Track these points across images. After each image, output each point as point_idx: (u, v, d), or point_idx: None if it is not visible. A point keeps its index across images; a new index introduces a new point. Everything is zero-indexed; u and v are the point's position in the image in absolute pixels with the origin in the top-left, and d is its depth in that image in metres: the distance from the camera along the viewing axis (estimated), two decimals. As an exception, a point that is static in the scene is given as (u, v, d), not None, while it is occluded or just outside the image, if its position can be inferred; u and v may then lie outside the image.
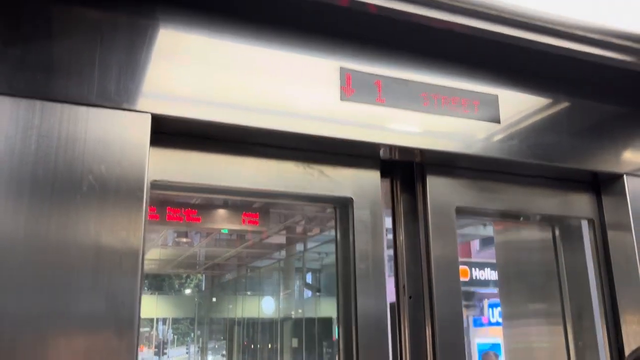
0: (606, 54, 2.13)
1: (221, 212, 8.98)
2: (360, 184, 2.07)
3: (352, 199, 2.04)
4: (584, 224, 2.48)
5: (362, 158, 2.10)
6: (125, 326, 1.49)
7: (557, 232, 2.60)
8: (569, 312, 2.50)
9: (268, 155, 1.96)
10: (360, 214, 2.03)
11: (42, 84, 1.54)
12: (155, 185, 1.76)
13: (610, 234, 2.43)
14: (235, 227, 9.23)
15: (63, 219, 1.49)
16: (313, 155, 2.02)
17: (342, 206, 2.11)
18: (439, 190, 2.18)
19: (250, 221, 9.16)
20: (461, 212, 2.24)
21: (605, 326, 2.35)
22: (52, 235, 1.47)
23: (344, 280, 2.05)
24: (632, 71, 2.24)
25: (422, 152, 2.09)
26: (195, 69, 1.76)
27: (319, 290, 17.66)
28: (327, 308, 16.75)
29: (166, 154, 1.81)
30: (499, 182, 2.32)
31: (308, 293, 18.09)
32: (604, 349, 2.34)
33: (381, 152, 2.08)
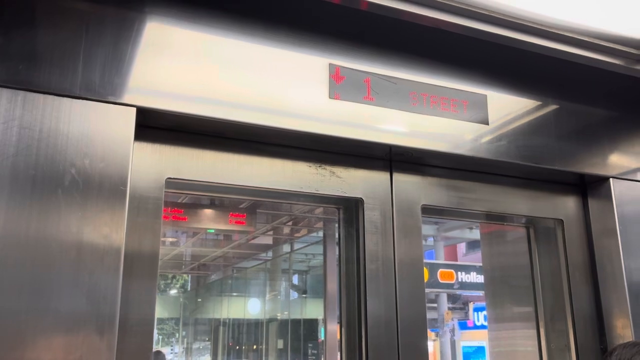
0: (595, 57, 2.14)
1: (208, 211, 8.91)
2: (371, 185, 2.07)
3: (362, 199, 2.03)
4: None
5: (372, 159, 2.10)
6: (106, 322, 1.46)
7: (534, 234, 2.58)
8: (542, 314, 2.48)
9: (276, 154, 1.95)
10: (371, 214, 2.03)
11: (25, 74, 1.51)
12: (170, 183, 1.77)
13: (596, 236, 2.43)
14: (222, 227, 9.15)
15: (44, 213, 1.46)
16: (324, 156, 2.01)
17: (348, 207, 2.10)
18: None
19: (237, 221, 9.09)
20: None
21: (573, 328, 2.33)
22: (33, 230, 1.44)
23: (348, 281, 2.04)
24: (621, 74, 2.25)
25: (412, 150, 2.08)
26: (183, 63, 1.73)
27: (305, 292, 17.65)
28: (313, 309, 16.73)
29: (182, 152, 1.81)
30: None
31: (294, 294, 18.06)
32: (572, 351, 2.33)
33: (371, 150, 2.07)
